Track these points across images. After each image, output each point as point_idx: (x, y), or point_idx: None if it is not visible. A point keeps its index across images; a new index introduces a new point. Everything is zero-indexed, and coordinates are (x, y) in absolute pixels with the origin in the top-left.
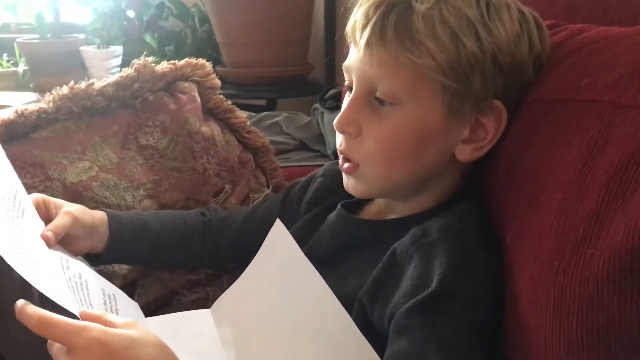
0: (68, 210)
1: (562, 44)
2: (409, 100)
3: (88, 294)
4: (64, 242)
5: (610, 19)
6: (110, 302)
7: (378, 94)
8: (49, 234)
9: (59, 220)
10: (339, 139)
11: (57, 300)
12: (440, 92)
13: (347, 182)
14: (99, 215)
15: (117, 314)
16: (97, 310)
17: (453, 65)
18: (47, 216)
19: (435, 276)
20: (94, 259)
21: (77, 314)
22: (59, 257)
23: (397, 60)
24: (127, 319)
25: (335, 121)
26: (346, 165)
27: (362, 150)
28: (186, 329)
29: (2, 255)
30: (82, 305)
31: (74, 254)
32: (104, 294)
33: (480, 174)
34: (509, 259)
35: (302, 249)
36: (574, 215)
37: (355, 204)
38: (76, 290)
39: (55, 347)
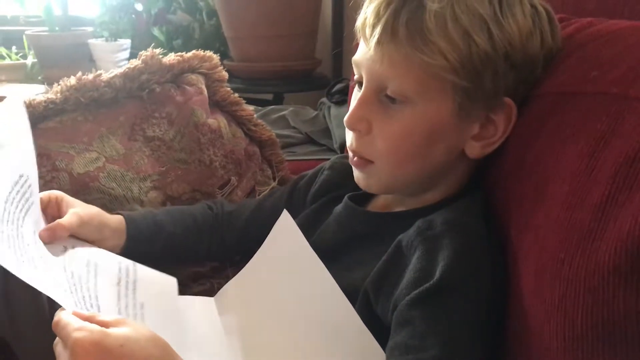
0: (76, 211)
1: (571, 37)
2: (420, 99)
3: (95, 283)
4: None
5: (620, 13)
6: (126, 276)
7: (388, 92)
8: (44, 233)
9: (64, 219)
10: (349, 137)
11: (57, 300)
12: (452, 91)
13: (358, 176)
14: (116, 219)
15: (135, 288)
16: (103, 300)
17: (465, 65)
18: (57, 214)
19: (438, 268)
20: None
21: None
22: (62, 256)
23: (408, 60)
24: (117, 317)
25: (345, 119)
26: (356, 159)
27: (372, 148)
28: (190, 316)
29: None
30: (85, 303)
31: None
32: (119, 268)
33: (487, 166)
34: (514, 252)
35: (307, 240)
36: (580, 208)
37: (362, 197)
38: (78, 287)
39: (58, 347)
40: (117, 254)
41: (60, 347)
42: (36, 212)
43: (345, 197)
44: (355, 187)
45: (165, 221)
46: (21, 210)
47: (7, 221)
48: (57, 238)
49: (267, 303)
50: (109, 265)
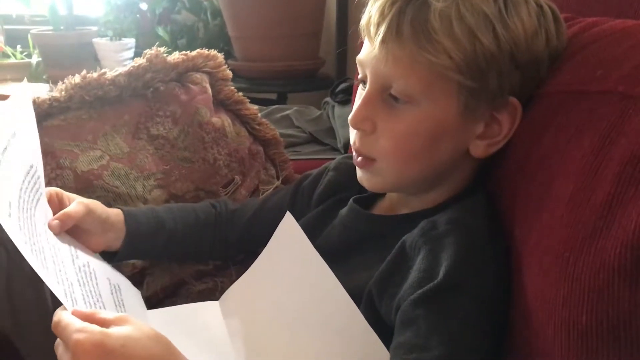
0: (81, 200)
1: (576, 36)
2: (424, 98)
3: (97, 283)
4: (79, 238)
5: (625, 13)
6: (116, 292)
7: (393, 92)
8: (55, 222)
9: (70, 208)
10: (353, 136)
11: (60, 298)
12: (456, 90)
13: (361, 176)
14: (115, 212)
15: (123, 303)
16: (105, 300)
17: (469, 64)
18: (60, 209)
19: (442, 268)
20: (109, 257)
21: (83, 308)
22: (68, 248)
23: (412, 59)
24: (119, 314)
25: (349, 118)
26: (360, 158)
27: (376, 147)
28: (195, 321)
29: (17, 246)
30: (92, 297)
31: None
32: (109, 283)
33: (491, 166)
34: (518, 251)
35: (312, 242)
36: (585, 207)
37: (368, 199)
38: (86, 281)
39: (60, 349)
40: (117, 248)
41: (62, 349)
42: (44, 203)
43: (351, 200)
44: (361, 188)
45: (166, 217)
46: (32, 200)
47: (23, 209)
48: (66, 227)
49: (271, 305)
50: (102, 272)
